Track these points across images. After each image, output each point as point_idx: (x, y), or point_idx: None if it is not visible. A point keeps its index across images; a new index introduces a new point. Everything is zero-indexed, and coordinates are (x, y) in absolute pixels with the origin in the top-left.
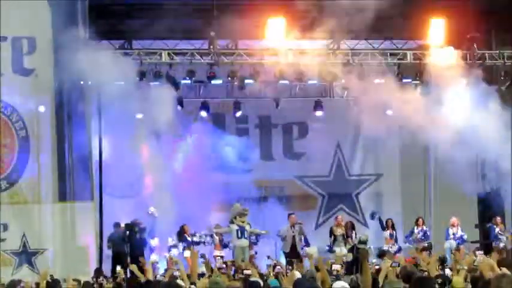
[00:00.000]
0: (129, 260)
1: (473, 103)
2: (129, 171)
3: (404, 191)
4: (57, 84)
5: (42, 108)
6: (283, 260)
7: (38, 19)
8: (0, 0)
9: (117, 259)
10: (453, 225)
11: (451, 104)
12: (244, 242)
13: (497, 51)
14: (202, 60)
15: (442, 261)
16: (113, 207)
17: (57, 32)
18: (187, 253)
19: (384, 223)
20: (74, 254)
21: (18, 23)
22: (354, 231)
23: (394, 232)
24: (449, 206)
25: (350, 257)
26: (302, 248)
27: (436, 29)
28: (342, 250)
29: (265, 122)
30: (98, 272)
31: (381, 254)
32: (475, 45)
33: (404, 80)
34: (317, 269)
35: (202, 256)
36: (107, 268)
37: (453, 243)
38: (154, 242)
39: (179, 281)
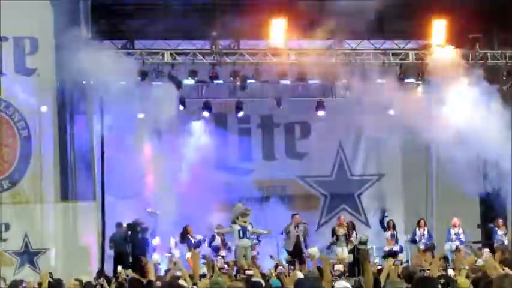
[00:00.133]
0: (131, 259)
1: (475, 103)
2: (131, 171)
3: (406, 191)
4: (59, 84)
5: (44, 108)
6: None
7: (40, 19)
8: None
9: (119, 259)
10: (455, 226)
11: (453, 104)
12: (246, 242)
13: (499, 51)
14: (204, 60)
15: (444, 262)
16: (115, 207)
17: (59, 32)
18: (189, 254)
19: (386, 224)
20: (76, 254)
21: (20, 23)
22: (354, 232)
23: (395, 232)
24: (451, 206)
25: (351, 258)
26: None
27: (438, 29)
28: (343, 250)
29: (267, 122)
30: (100, 273)
31: (386, 256)
32: (477, 45)
33: (406, 80)
34: (319, 269)
35: (204, 257)
36: (109, 268)
37: (453, 245)
38: (155, 241)
39: (181, 282)
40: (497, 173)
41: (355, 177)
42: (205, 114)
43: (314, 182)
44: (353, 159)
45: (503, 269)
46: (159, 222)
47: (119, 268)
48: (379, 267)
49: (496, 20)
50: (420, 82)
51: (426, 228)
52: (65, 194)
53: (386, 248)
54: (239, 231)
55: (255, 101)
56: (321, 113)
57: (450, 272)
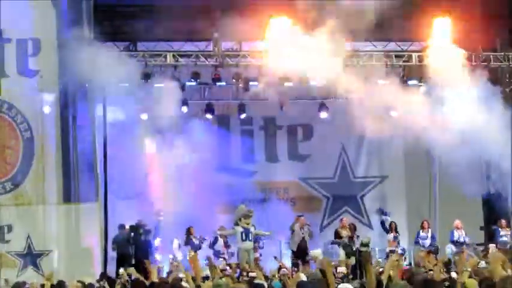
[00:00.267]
0: (133, 261)
1: (478, 105)
2: (134, 173)
3: (409, 193)
4: (62, 85)
5: (47, 110)
6: (288, 259)
7: (42, 20)
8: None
9: (122, 261)
10: (457, 228)
11: (456, 106)
12: (249, 245)
13: (502, 53)
14: (207, 62)
15: (447, 265)
16: (118, 209)
17: (62, 34)
18: (188, 256)
19: (388, 226)
20: (78, 255)
21: (23, 24)
22: (355, 234)
23: (397, 234)
24: (454, 207)
25: (353, 260)
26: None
27: (441, 31)
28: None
29: (270, 124)
30: (103, 275)
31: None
32: (480, 47)
33: (409, 82)
34: (322, 271)
35: (208, 259)
36: (111, 270)
37: (453, 247)
38: (156, 242)
39: (184, 284)
40: (499, 174)
41: (357, 179)
42: (208, 116)
43: (316, 184)
44: (356, 161)
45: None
46: (161, 224)
47: (121, 270)
48: (381, 269)
49: (499, 21)
50: (423, 84)
51: (430, 230)
52: (68, 195)
53: (388, 250)
54: (242, 233)
55: (257, 103)
56: (323, 115)
57: (453, 274)
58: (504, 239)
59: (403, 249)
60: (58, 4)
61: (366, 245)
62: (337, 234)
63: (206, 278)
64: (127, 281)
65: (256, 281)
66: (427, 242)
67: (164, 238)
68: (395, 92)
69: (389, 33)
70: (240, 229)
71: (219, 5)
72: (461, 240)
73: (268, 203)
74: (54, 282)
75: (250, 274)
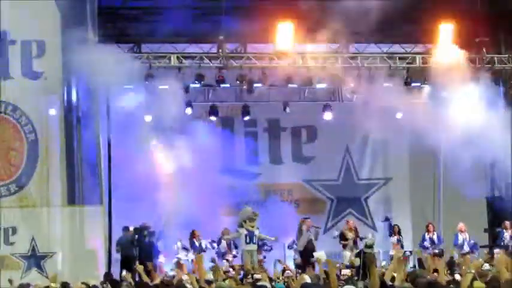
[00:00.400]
0: (137, 263)
1: (482, 106)
2: (138, 175)
3: (413, 195)
4: (66, 87)
5: (51, 112)
6: (291, 261)
7: (47, 22)
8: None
9: (126, 263)
10: (461, 231)
11: (460, 108)
12: (253, 247)
13: (506, 55)
14: (211, 64)
15: (451, 266)
16: (122, 211)
17: (66, 36)
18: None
19: (391, 228)
20: (82, 257)
21: (27, 26)
22: (358, 236)
23: (401, 237)
24: (459, 209)
25: (357, 261)
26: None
27: (445, 33)
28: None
29: (274, 126)
30: (107, 276)
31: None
32: (483, 49)
33: (413, 84)
34: (326, 273)
35: (213, 260)
36: (115, 272)
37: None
38: (160, 245)
39: (188, 286)
40: (504, 176)
41: (362, 181)
42: (212, 118)
43: (320, 186)
44: (360, 163)
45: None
46: (165, 225)
47: (124, 273)
48: (385, 270)
49: (503, 23)
50: (427, 86)
51: (435, 233)
52: (72, 197)
53: (392, 253)
54: (246, 236)
55: (261, 105)
56: (327, 117)
57: (457, 277)
58: (510, 240)
59: (410, 252)
60: (62, 6)
61: (371, 246)
62: (343, 236)
63: (209, 282)
64: (130, 283)
65: (259, 283)
66: (433, 244)
67: (167, 241)
68: (399, 94)
69: (393, 35)
70: (244, 231)
71: (223, 7)
72: (466, 244)
73: (272, 205)
74: (58, 284)
75: (255, 276)
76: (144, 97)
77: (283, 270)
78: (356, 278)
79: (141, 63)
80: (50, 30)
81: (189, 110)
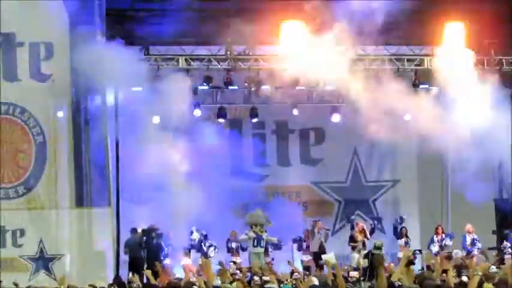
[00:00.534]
0: (145, 265)
1: (490, 108)
2: (146, 177)
3: (422, 197)
4: (74, 89)
5: (59, 114)
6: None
7: (55, 24)
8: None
9: (134, 265)
10: (469, 232)
11: (468, 109)
12: (260, 250)
13: None
14: (219, 66)
15: (459, 269)
16: (130, 213)
17: (74, 37)
18: (200, 260)
19: (399, 231)
20: (90, 259)
21: (35, 28)
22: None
23: (408, 240)
24: (467, 211)
25: (365, 263)
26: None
27: (453, 34)
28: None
29: (282, 128)
30: (116, 279)
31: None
32: (492, 51)
33: (421, 86)
34: (334, 275)
35: (220, 264)
36: (123, 273)
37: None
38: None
39: None
40: None
41: (370, 183)
42: (220, 120)
43: (328, 188)
44: (368, 165)
45: None
46: (173, 227)
47: (130, 275)
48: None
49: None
50: (435, 88)
51: (444, 235)
52: (80, 199)
53: (400, 255)
54: (254, 239)
55: (269, 107)
56: (335, 119)
57: (464, 278)
58: None
59: (420, 251)
60: (70, 8)
61: (379, 247)
62: (353, 239)
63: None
64: (138, 285)
65: (267, 286)
66: (442, 246)
67: (174, 240)
68: (407, 96)
69: (401, 37)
70: (252, 235)
71: (231, 9)
72: (474, 244)
73: (279, 207)
74: (66, 287)
75: (264, 278)
76: (152, 98)
77: (292, 272)
78: (363, 278)
79: (149, 65)
80: (58, 32)
81: (197, 112)
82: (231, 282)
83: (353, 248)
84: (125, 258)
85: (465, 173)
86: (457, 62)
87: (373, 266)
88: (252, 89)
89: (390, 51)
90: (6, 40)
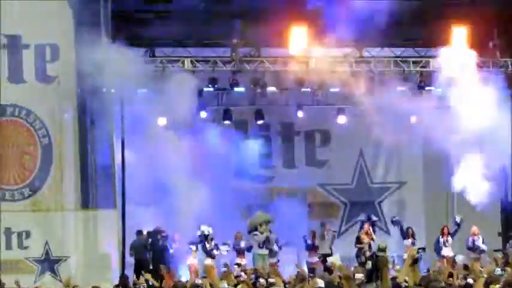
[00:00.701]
0: (151, 267)
1: (496, 110)
2: (151, 178)
3: (427, 199)
4: (80, 91)
5: (65, 116)
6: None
7: (60, 26)
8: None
9: (140, 266)
10: (474, 234)
11: (472, 111)
12: (265, 251)
13: None
14: (224, 68)
15: (464, 272)
16: (136, 215)
17: (80, 39)
18: (207, 261)
19: (405, 231)
20: (96, 261)
21: (41, 30)
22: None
23: (415, 240)
24: (472, 213)
25: (369, 264)
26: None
27: (458, 36)
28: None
29: (288, 130)
30: (122, 278)
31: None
32: (497, 53)
33: (426, 88)
34: (341, 277)
35: (226, 266)
36: (129, 275)
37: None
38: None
39: None
40: None
41: (375, 185)
42: (226, 121)
43: (334, 189)
44: (374, 167)
45: None
46: (178, 228)
47: (134, 277)
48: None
49: None
50: (440, 89)
51: (449, 237)
52: (86, 201)
53: (405, 256)
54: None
55: (275, 109)
56: (341, 120)
57: (470, 281)
58: None
59: (424, 249)
60: (76, 10)
61: (383, 249)
62: (359, 240)
63: None
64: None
65: None
66: (447, 248)
67: (180, 241)
68: (412, 98)
69: (406, 39)
70: (266, 233)
71: (236, 10)
72: (477, 246)
73: (285, 209)
74: None
75: (270, 280)
76: (158, 100)
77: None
78: (366, 281)
79: (154, 67)
80: (64, 34)
81: (203, 114)
82: (235, 285)
83: (359, 250)
84: (130, 260)
85: (470, 174)
86: (462, 63)
87: (377, 268)
88: (258, 90)
89: (395, 53)
90: (12, 42)
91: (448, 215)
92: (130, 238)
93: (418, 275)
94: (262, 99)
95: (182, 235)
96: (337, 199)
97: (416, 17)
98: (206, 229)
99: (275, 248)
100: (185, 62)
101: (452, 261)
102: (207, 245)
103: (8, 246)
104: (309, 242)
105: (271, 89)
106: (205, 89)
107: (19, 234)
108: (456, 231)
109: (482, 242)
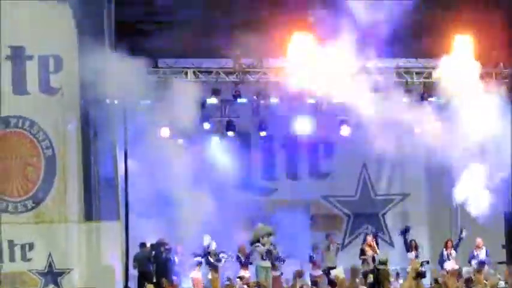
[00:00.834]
0: (154, 279)
1: (499, 121)
2: (154, 190)
3: (431, 211)
4: (83, 102)
5: (68, 127)
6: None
7: (63, 37)
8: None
9: (143, 279)
10: (478, 247)
11: (476, 122)
12: (268, 263)
13: None
14: (227, 79)
15: (468, 283)
16: (139, 227)
17: (83, 50)
18: (211, 274)
19: (408, 244)
20: (99, 273)
21: (44, 41)
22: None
23: (418, 253)
24: (476, 225)
25: (371, 278)
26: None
27: (462, 47)
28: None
29: (291, 141)
30: None
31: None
32: (500, 64)
33: (429, 99)
34: None
35: (228, 280)
36: None
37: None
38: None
39: None
40: None
41: (379, 197)
42: (229, 133)
43: (337, 201)
44: (377, 179)
45: None
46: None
47: None
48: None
49: None
50: (443, 101)
51: (453, 250)
52: (89, 213)
53: (409, 269)
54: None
55: (278, 120)
56: (344, 132)
57: None
58: None
59: (427, 262)
60: (79, 21)
61: (384, 262)
62: (363, 252)
63: None
64: None
65: None
66: (451, 261)
67: (182, 253)
68: (416, 109)
69: (409, 50)
70: (267, 245)
71: (239, 21)
72: (481, 259)
73: (288, 221)
74: None
75: None
76: (161, 111)
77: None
78: None
79: (157, 78)
80: (67, 45)
81: (206, 125)
82: None
83: (363, 262)
84: (133, 272)
85: (474, 186)
86: (465, 74)
87: (379, 281)
88: (261, 101)
89: (398, 63)
90: (16, 53)
91: (452, 227)
92: (134, 250)
93: (423, 287)
94: (265, 110)
95: (184, 247)
96: (340, 211)
97: (420, 27)
98: (209, 241)
99: (277, 262)
100: (188, 72)
101: (458, 274)
102: (211, 259)
103: (12, 259)
104: (315, 257)
105: (274, 100)
106: (208, 100)
107: (22, 247)
108: (458, 244)
109: (487, 254)
